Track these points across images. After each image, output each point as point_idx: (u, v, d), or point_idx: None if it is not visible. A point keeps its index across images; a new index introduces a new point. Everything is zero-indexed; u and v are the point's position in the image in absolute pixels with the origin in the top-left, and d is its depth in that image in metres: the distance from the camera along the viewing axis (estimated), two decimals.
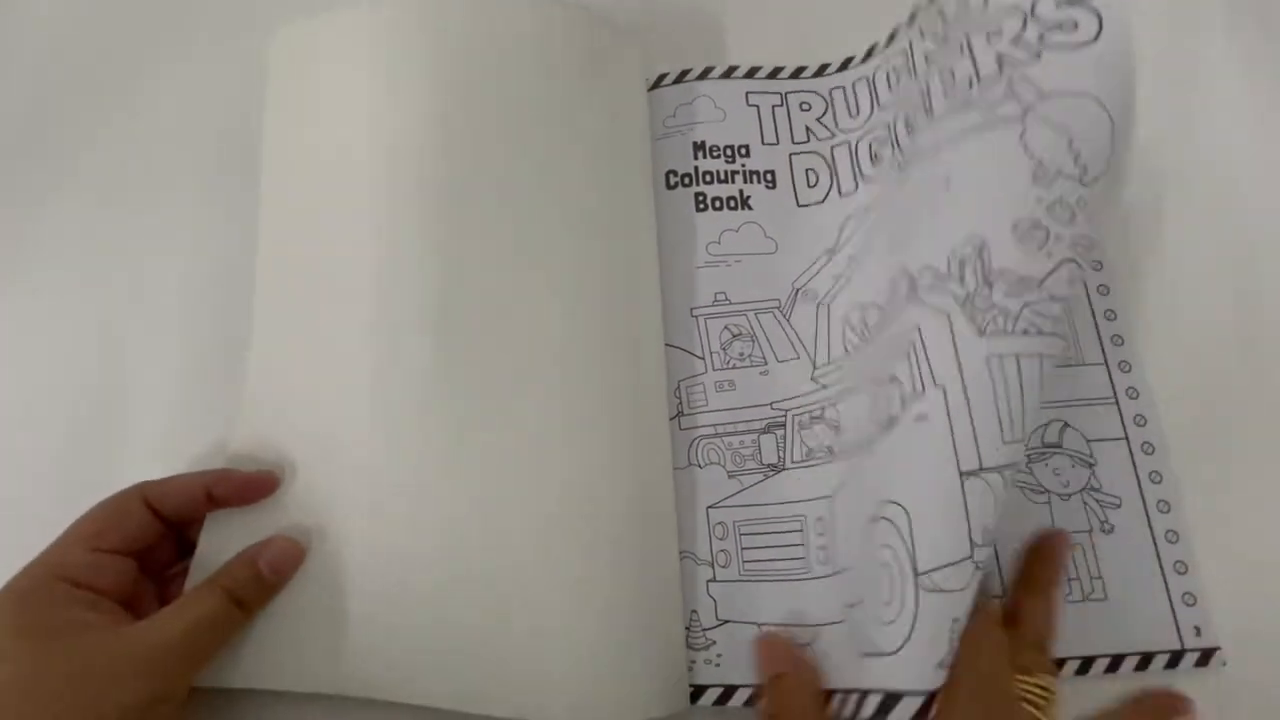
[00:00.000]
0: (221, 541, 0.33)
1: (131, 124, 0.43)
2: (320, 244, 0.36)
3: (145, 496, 0.31)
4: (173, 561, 0.33)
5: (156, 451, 0.37)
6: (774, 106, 0.43)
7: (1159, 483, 0.36)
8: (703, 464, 0.37)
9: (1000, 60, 0.31)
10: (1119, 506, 0.36)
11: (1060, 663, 0.33)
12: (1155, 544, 0.35)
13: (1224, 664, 0.33)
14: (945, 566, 0.28)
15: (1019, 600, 0.33)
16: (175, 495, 0.32)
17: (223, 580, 0.31)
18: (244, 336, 0.37)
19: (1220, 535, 0.35)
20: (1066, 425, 0.37)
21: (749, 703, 0.33)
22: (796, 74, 0.44)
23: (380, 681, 0.31)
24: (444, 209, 0.35)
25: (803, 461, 0.36)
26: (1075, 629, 0.34)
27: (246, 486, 0.33)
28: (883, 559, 0.30)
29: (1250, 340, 0.39)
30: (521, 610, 0.31)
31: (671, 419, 0.37)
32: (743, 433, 0.37)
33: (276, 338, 0.36)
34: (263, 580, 0.31)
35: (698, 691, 0.33)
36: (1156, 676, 0.33)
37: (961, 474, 0.28)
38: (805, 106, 0.43)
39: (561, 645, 0.31)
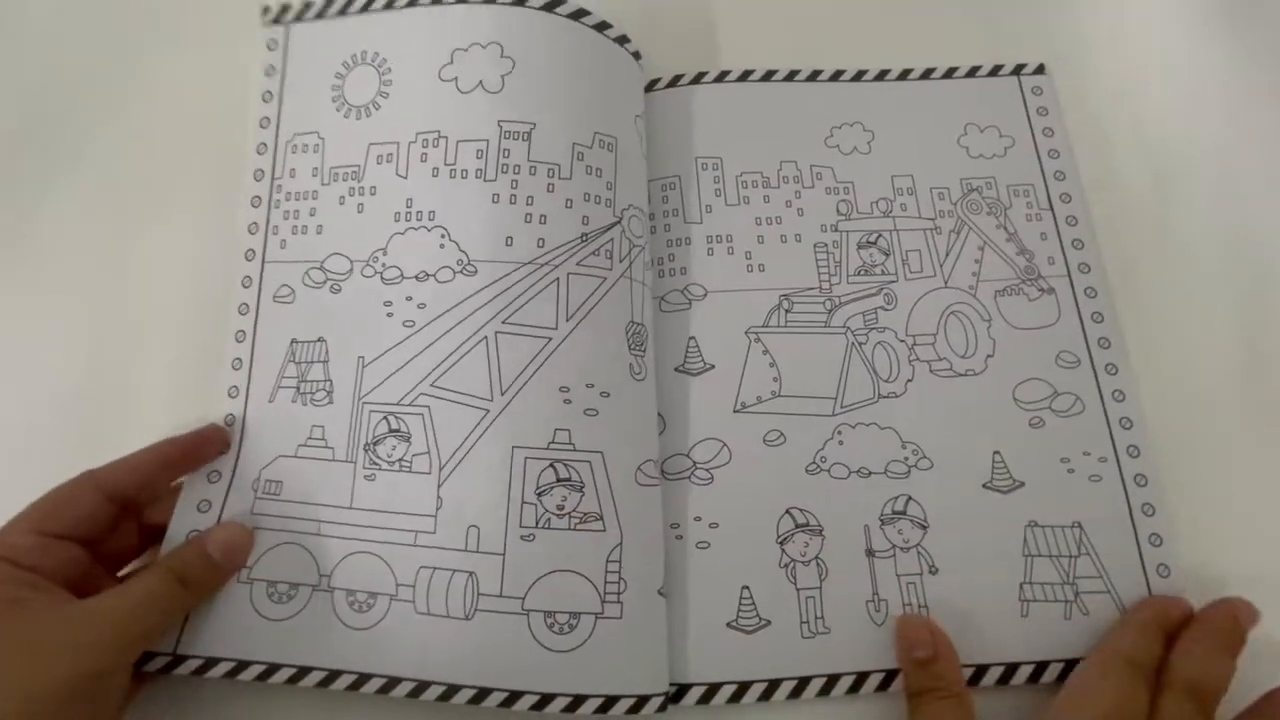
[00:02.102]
0: (190, 523, 0.34)
1: (132, 122, 0.43)
2: None
3: (95, 480, 0.31)
4: (135, 552, 0.34)
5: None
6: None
7: (1144, 486, 0.36)
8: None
9: None
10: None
11: (1041, 667, 0.33)
12: (1139, 547, 0.35)
13: None
14: None
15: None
16: (125, 472, 0.32)
17: (170, 561, 0.31)
18: (244, 333, 0.38)
19: (1204, 537, 0.35)
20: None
21: (732, 700, 0.33)
22: (790, 77, 0.44)
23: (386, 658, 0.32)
24: None
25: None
26: (1055, 633, 0.34)
27: (198, 446, 0.34)
28: None
29: (1243, 342, 0.39)
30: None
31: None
32: None
33: None
34: (211, 563, 0.32)
35: (681, 690, 0.34)
36: None
37: None
38: None
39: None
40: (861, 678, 0.33)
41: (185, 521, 0.34)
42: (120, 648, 0.28)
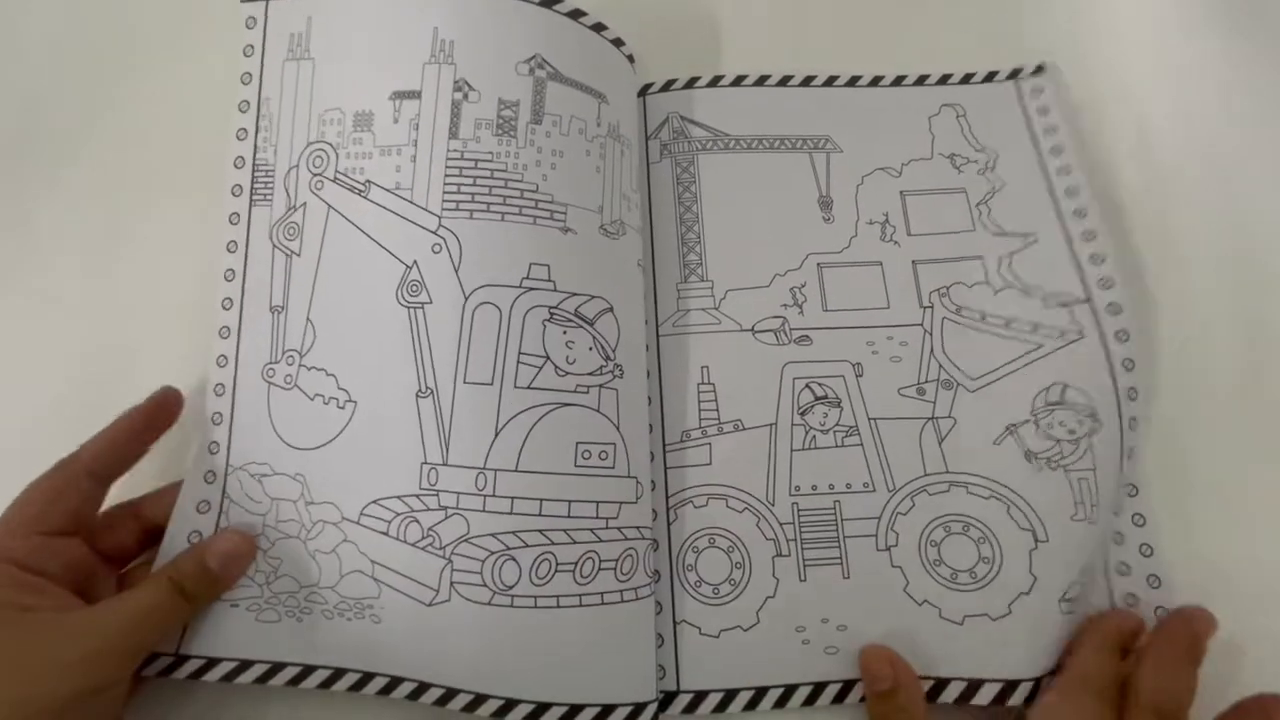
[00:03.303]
0: (190, 525, 0.34)
1: (132, 121, 0.44)
2: None
3: (80, 463, 0.32)
4: (135, 549, 0.34)
5: (158, 447, 0.36)
6: None
7: (1134, 496, 0.36)
8: None
9: None
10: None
11: (1037, 682, 0.33)
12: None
13: None
14: None
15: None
16: (102, 449, 0.32)
17: (170, 572, 0.31)
18: (228, 329, 0.37)
19: (1188, 545, 0.35)
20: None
21: (719, 708, 0.34)
22: (783, 82, 0.44)
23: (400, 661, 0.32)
24: None
25: None
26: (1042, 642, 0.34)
27: (157, 412, 0.34)
28: None
29: (1240, 348, 0.39)
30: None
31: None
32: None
33: None
34: (210, 574, 0.32)
35: (669, 697, 0.34)
36: None
37: None
38: None
39: (561, 635, 0.32)
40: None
41: (185, 524, 0.34)
42: (119, 660, 0.28)
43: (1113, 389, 0.36)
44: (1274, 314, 0.39)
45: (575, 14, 0.38)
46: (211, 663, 0.32)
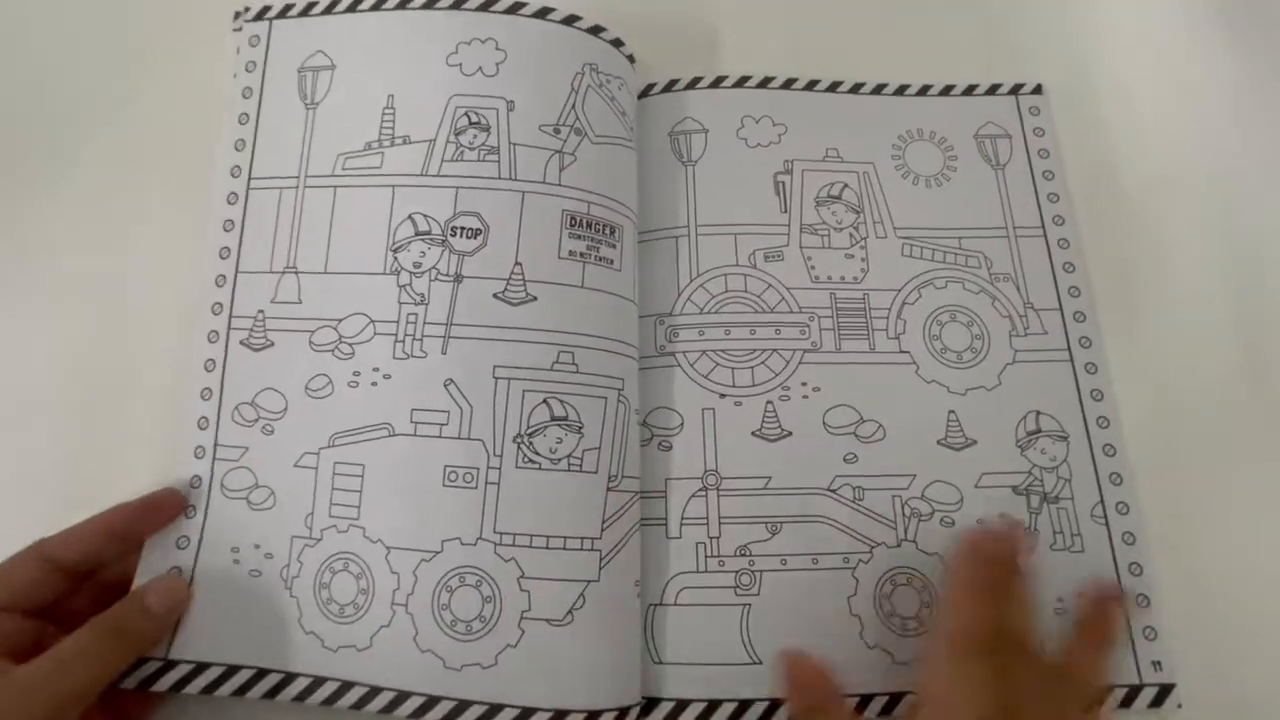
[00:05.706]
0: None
1: (133, 120, 0.43)
2: None
3: (43, 550, 0.30)
4: (94, 611, 0.31)
5: (157, 448, 0.36)
6: None
7: (1125, 514, 0.36)
8: None
9: None
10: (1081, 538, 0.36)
11: None
12: (1119, 576, 0.35)
13: (1179, 706, 0.33)
14: None
15: (1073, 650, 0.32)
16: (74, 542, 0.31)
17: (105, 618, 0.29)
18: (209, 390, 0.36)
19: (1183, 567, 0.35)
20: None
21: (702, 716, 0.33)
22: (787, 85, 0.43)
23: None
24: None
25: None
26: None
27: (149, 514, 0.33)
28: None
29: (1239, 353, 0.39)
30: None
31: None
32: None
33: None
34: (150, 615, 0.31)
35: (651, 703, 0.33)
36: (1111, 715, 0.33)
37: None
38: None
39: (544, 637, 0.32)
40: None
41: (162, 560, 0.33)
42: (47, 713, 0.27)
43: (1086, 433, 0.37)
44: (1274, 318, 0.40)
45: (570, 20, 0.38)
46: (200, 667, 0.31)
